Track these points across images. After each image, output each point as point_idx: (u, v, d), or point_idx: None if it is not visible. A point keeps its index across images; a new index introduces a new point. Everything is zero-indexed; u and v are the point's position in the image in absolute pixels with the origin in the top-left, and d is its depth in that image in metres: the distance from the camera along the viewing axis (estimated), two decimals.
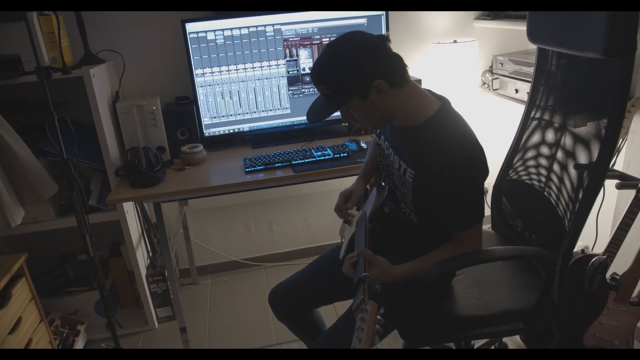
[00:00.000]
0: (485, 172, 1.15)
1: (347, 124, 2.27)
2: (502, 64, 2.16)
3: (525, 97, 2.02)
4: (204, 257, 2.54)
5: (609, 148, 1.12)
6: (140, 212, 2.15)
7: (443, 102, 1.20)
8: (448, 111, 1.18)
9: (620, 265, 1.52)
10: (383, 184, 1.44)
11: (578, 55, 1.26)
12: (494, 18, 2.21)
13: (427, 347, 1.38)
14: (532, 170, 1.46)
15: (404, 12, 2.27)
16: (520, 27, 2.18)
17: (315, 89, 2.08)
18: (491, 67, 2.31)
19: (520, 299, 1.31)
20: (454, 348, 1.56)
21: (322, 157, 1.89)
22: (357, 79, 1.12)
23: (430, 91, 1.23)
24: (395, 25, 2.18)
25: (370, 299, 0.93)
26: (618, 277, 1.53)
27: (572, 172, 1.27)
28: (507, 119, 2.28)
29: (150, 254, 2.24)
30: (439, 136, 1.14)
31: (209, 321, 2.23)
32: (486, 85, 2.32)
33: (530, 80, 1.97)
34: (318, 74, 1.16)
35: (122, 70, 2.08)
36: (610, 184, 1.57)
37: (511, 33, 2.36)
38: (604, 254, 1.56)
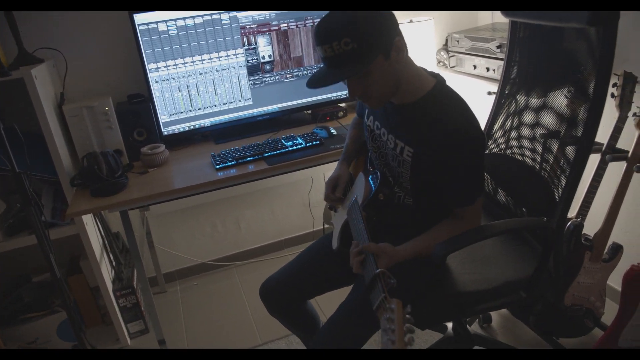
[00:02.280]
0: (485, 144, 1.15)
1: (310, 111, 2.23)
2: (457, 41, 2.20)
3: (484, 73, 2.07)
4: (170, 263, 2.40)
5: (596, 116, 1.16)
6: (100, 222, 1.99)
7: (438, 79, 1.19)
8: (445, 87, 1.18)
9: (587, 226, 1.61)
10: (371, 168, 1.42)
11: (553, 27, 1.29)
12: None
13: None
14: (514, 142, 1.50)
15: None
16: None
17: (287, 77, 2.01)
18: (445, 44, 2.34)
19: (517, 269, 1.34)
20: (452, 326, 1.59)
21: (295, 147, 1.84)
22: (383, 32, 1.04)
23: (423, 68, 1.21)
24: None
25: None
26: (590, 238, 1.63)
27: (558, 142, 1.31)
28: (470, 95, 2.32)
29: (115, 267, 2.08)
30: (442, 109, 1.13)
31: (185, 330, 2.11)
32: (442, 63, 2.35)
33: (488, 55, 2.03)
34: (341, 25, 1.02)
35: (65, 70, 1.89)
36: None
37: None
38: (577, 216, 1.64)
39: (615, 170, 1.58)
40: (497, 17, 2.35)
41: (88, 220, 1.87)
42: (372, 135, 1.34)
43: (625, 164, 1.54)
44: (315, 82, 1.10)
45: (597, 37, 1.15)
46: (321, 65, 1.14)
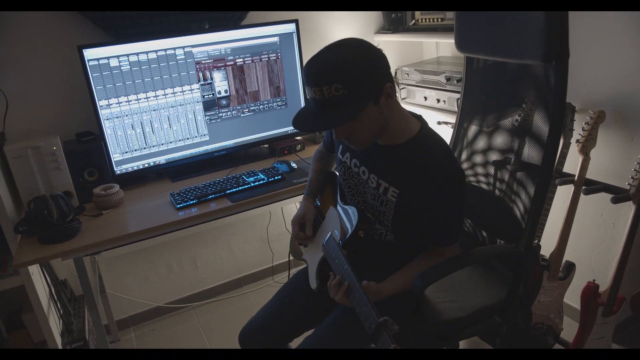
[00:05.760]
0: (465, 184, 1.19)
1: (267, 146, 2.21)
2: (408, 74, 2.29)
3: (434, 104, 2.17)
4: (123, 309, 2.25)
5: (554, 145, 1.24)
6: (46, 270, 1.83)
7: (422, 122, 1.21)
8: (430, 131, 1.20)
9: (542, 247, 1.69)
10: (342, 202, 1.40)
11: (504, 62, 1.38)
12: (393, 32, 2.34)
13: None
14: (473, 171, 1.56)
15: (313, 30, 2.29)
16: (418, 39, 2.35)
17: (263, 106, 1.99)
18: (395, 77, 2.43)
19: (487, 295, 1.37)
20: None
21: (257, 183, 1.81)
22: (374, 78, 1.02)
23: (406, 110, 1.24)
24: (304, 43, 2.17)
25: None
26: (546, 258, 1.71)
27: (516, 170, 1.38)
28: None
29: (63, 317, 1.92)
30: (429, 154, 1.15)
31: None
32: None
33: (438, 87, 2.12)
34: (333, 69, 0.99)
35: (5, 108, 1.76)
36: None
37: (408, 45, 2.52)
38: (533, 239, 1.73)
39: (563, 193, 1.69)
40: (441, 51, 2.48)
41: (34, 269, 1.72)
42: (348, 173, 1.32)
43: (573, 187, 1.65)
44: (303, 126, 1.09)
45: (547, 71, 1.24)
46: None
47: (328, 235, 1.27)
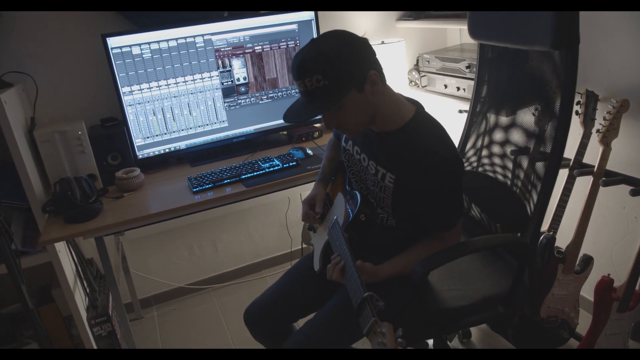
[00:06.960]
0: (463, 169, 1.19)
1: (285, 132, 2.24)
2: (428, 61, 2.26)
3: (454, 92, 2.13)
4: (146, 289, 2.35)
5: (564, 133, 1.21)
6: (73, 249, 1.93)
7: (418, 107, 1.22)
8: (425, 115, 1.21)
9: (559, 239, 1.65)
10: (349, 188, 1.43)
11: (519, 49, 1.35)
12: (415, 18, 2.31)
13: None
14: (485, 160, 1.54)
15: (332, 17, 2.29)
16: (441, 26, 2.31)
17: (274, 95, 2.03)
18: (416, 65, 2.40)
19: (493, 284, 1.37)
20: (433, 342, 1.60)
21: (272, 169, 1.84)
22: (355, 66, 1.06)
23: (402, 95, 1.24)
24: (323, 30, 2.17)
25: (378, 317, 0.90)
26: (562, 250, 1.68)
27: (528, 158, 1.35)
28: (442, 114, 2.38)
29: (89, 294, 2.03)
30: (423, 139, 1.15)
31: None
32: (413, 83, 2.41)
33: (458, 75, 2.09)
34: (313, 62, 1.05)
35: (35, 94, 1.85)
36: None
37: (431, 32, 2.48)
38: (548, 230, 1.69)
39: (583, 184, 1.64)
40: (465, 38, 2.43)
41: (61, 247, 1.82)
42: (351, 159, 1.35)
43: (592, 178, 1.60)
44: (290, 117, 1.15)
45: (560, 59, 1.21)
46: (299, 96, 1.17)
47: (334, 219, 1.31)
